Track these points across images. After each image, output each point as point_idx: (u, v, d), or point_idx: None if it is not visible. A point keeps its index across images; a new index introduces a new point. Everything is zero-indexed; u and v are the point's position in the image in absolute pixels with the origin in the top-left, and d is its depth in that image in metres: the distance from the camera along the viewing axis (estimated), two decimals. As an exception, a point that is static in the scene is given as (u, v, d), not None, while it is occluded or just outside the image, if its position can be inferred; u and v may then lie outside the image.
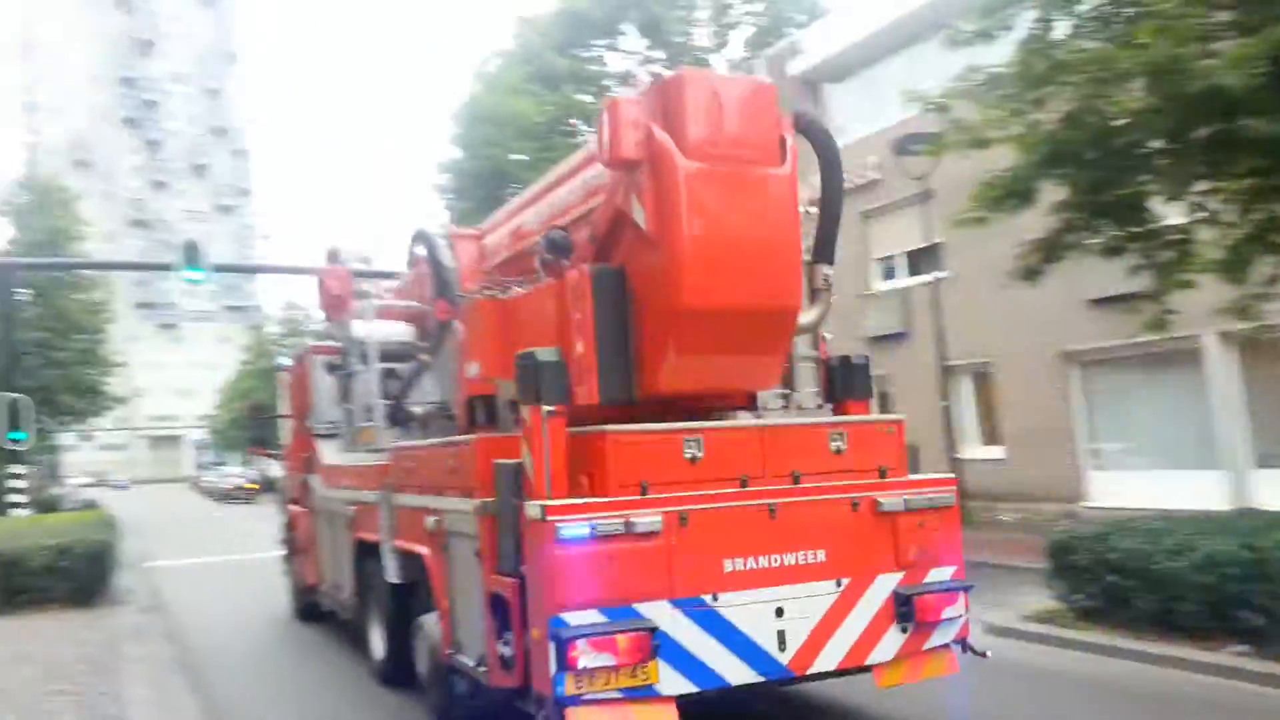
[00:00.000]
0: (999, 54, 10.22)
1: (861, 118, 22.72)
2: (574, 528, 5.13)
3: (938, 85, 10.77)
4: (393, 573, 7.75)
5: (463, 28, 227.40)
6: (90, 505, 28.85)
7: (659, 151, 5.39)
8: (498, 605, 5.60)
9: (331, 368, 10.31)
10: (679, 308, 5.41)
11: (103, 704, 8.35)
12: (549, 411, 5.40)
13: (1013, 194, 10.19)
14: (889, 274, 22.71)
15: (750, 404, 6.42)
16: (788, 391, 6.68)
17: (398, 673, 8.02)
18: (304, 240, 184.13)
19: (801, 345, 6.92)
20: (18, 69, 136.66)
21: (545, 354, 5.54)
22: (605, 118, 5.56)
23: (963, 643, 6.27)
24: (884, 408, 22.96)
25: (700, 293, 5.38)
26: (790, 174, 5.77)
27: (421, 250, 8.19)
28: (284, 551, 13.05)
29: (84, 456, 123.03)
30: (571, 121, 30.88)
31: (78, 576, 14.13)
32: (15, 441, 19.27)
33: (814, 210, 6.61)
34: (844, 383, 6.86)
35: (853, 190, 23.45)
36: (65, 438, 55.97)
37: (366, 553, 8.38)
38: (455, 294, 7.51)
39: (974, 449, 19.75)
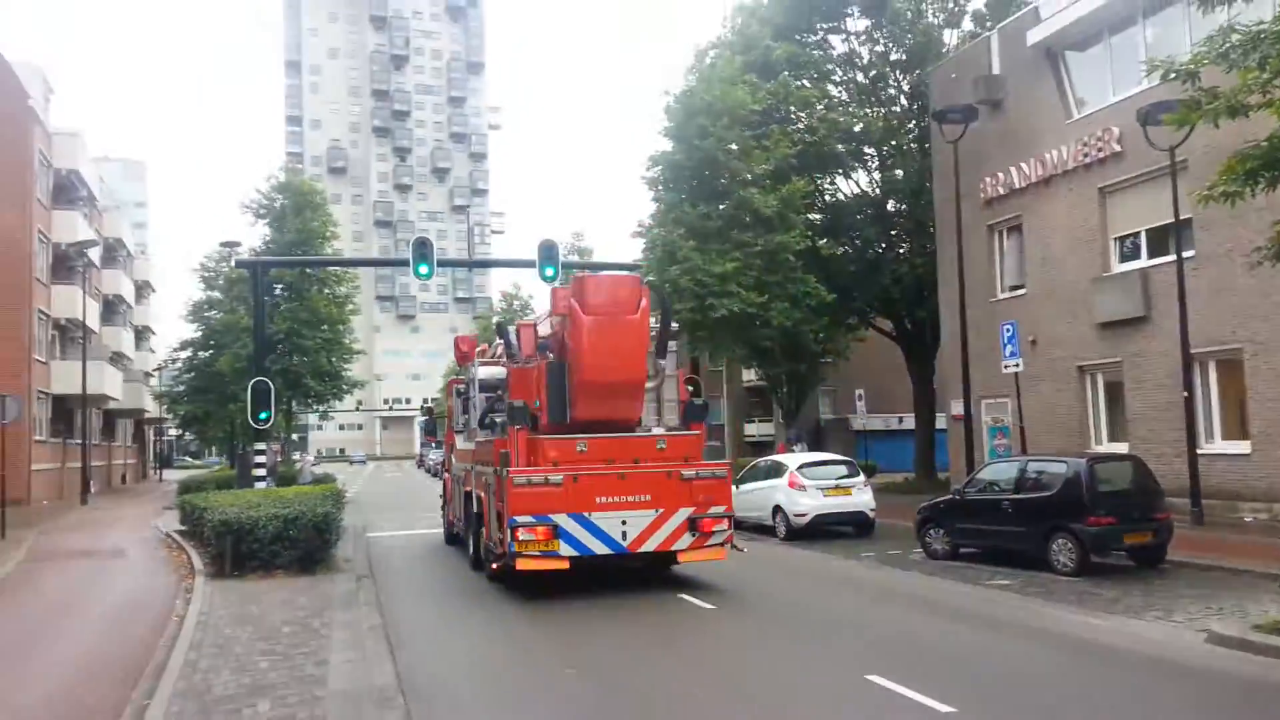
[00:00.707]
0: (1258, 12, 10.04)
1: (1105, 87, 21.67)
2: (519, 479, 11.86)
3: (1187, 51, 10.30)
4: (474, 507, 15.00)
5: (680, 23, 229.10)
6: (325, 479, 30.98)
7: (573, 310, 12.05)
8: (500, 517, 12.35)
9: (458, 393, 18.51)
10: (581, 381, 12.15)
11: (304, 664, 8.99)
12: (518, 428, 12.21)
13: (1272, 164, 9.41)
14: (1128, 254, 21.20)
15: (637, 425, 13.21)
16: (658, 418, 13.62)
17: (476, 561, 14.98)
18: (531, 232, 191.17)
19: (670, 392, 13.75)
20: (282, 85, 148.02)
21: (517, 402, 12.59)
22: (551, 296, 12.55)
23: (731, 544, 12.98)
24: (1114, 399, 21.05)
25: (590, 374, 12.07)
26: (640, 318, 12.42)
27: (503, 334, 14.98)
28: (441, 504, 21.23)
29: (326, 435, 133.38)
30: (791, 110, 31.04)
31: (302, 545, 15.04)
32: (260, 421, 21.08)
33: (655, 329, 13.31)
34: (689, 415, 13.55)
35: (1090, 165, 21.53)
36: (310, 418, 59.58)
37: (468, 498, 15.73)
38: (514, 359, 13.81)
39: (1216, 444, 18.42)
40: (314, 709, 7.45)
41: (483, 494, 14.59)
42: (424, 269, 21.16)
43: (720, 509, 13.02)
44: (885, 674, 8.28)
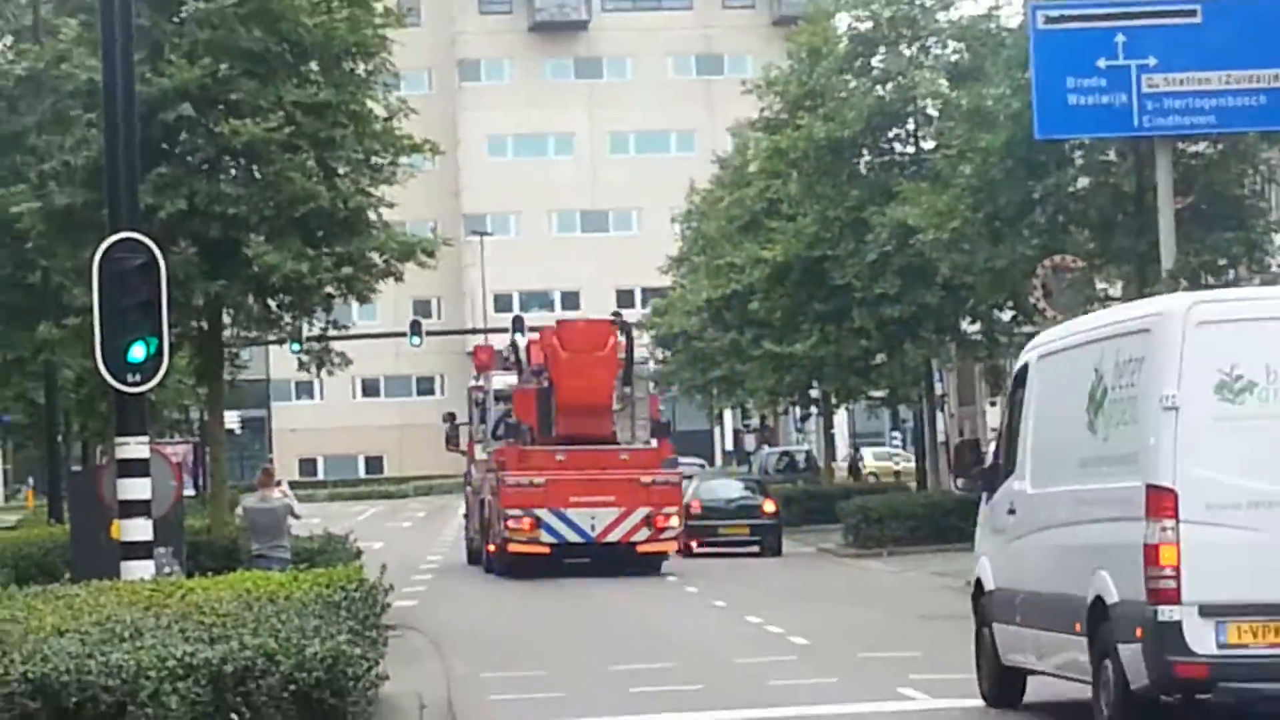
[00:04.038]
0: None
1: None
2: (510, 480, 49.65)
3: None
4: (485, 512, 54.82)
5: None
6: (331, 549, 31.79)
7: (553, 348, 51.35)
8: (497, 513, 54.27)
9: (477, 403, 59.62)
10: (559, 404, 50.72)
11: None
12: (510, 441, 52.61)
13: None
14: None
15: (614, 439, 51.00)
16: (631, 434, 52.54)
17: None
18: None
19: (643, 412, 53.13)
20: None
21: (512, 420, 53.32)
22: (541, 337, 55.37)
23: (677, 538, 55.75)
24: None
25: (566, 398, 50.47)
26: (609, 353, 51.44)
27: (514, 348, 61.70)
28: (464, 522, 66.48)
29: (328, 419, 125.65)
30: None
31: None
32: (133, 369, 20.18)
33: (621, 359, 53.58)
34: (657, 430, 54.10)
35: None
36: (281, 363, 69.19)
37: (482, 505, 55.69)
38: (522, 374, 55.70)
39: None
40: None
41: (489, 497, 49.12)
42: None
43: (672, 509, 47.05)
44: None
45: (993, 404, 78.47)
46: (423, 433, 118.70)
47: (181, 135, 34.66)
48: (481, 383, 53.90)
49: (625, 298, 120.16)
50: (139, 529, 21.04)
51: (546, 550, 43.41)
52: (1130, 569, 16.45)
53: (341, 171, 36.05)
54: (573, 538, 43.19)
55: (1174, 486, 16.25)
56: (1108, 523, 17.63)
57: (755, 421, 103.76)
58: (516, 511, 42.59)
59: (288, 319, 38.80)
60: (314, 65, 35.99)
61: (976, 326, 61.21)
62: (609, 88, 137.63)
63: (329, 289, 36.33)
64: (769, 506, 59.03)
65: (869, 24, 60.46)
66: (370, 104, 36.93)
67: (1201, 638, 16.02)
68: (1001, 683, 19.98)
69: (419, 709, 21.10)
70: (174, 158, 34.76)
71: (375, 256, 37.04)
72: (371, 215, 36.85)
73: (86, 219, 32.56)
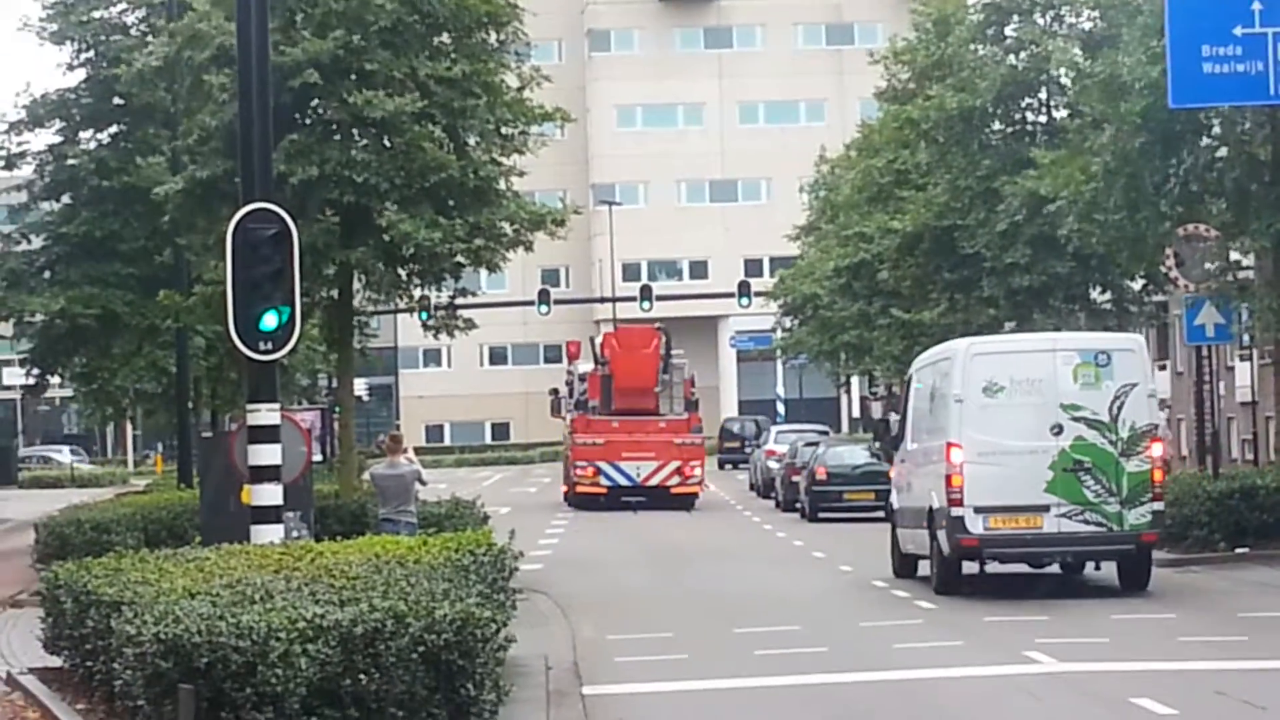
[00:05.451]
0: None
1: None
2: (579, 440, 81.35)
3: None
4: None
5: None
6: (455, 514, 31.61)
7: (613, 347, 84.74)
8: (571, 463, 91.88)
9: (568, 383, 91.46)
10: (616, 387, 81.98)
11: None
12: (580, 413, 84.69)
13: None
14: None
15: (656, 412, 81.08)
16: (670, 407, 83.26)
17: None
18: None
19: (679, 392, 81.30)
20: None
21: (584, 398, 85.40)
22: (605, 339, 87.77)
23: (700, 484, 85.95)
24: None
25: (621, 382, 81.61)
26: (652, 351, 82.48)
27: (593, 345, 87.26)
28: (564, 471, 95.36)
29: (451, 386, 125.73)
30: None
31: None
32: (264, 338, 20.49)
33: (662, 354, 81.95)
34: (689, 404, 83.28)
35: None
36: (409, 330, 67.73)
37: (568, 458, 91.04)
38: (597, 363, 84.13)
39: None
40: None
41: (569, 453, 76.58)
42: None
43: (696, 462, 72.32)
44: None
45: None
46: (549, 400, 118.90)
47: (313, 102, 34.87)
48: (571, 368, 77.91)
49: (753, 266, 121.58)
50: (269, 494, 21.41)
51: (604, 491, 66.56)
52: (941, 489, 28.35)
53: (472, 141, 36.04)
54: (623, 482, 66.20)
55: (960, 442, 28.20)
56: (934, 464, 29.67)
57: (882, 389, 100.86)
58: (583, 463, 66.38)
59: (418, 286, 39.54)
60: (446, 37, 35.90)
61: (1107, 296, 60.59)
62: (739, 58, 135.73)
63: (460, 258, 36.30)
64: (894, 472, 65.05)
65: (1004, -7, 61.96)
66: (503, 74, 36.67)
67: (975, 525, 27.83)
68: (903, 564, 31.84)
69: (545, 671, 20.99)
70: (305, 125, 34.88)
71: (506, 226, 36.62)
72: (501, 185, 36.78)
73: (224, 190, 32.34)
